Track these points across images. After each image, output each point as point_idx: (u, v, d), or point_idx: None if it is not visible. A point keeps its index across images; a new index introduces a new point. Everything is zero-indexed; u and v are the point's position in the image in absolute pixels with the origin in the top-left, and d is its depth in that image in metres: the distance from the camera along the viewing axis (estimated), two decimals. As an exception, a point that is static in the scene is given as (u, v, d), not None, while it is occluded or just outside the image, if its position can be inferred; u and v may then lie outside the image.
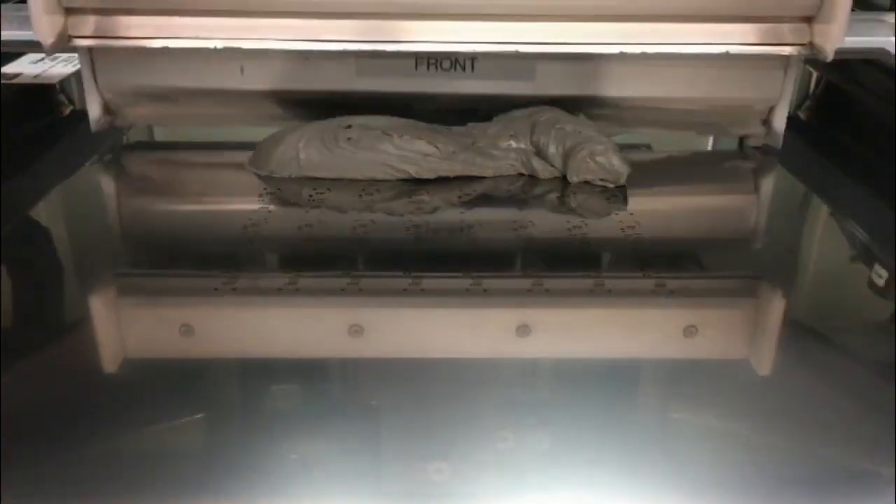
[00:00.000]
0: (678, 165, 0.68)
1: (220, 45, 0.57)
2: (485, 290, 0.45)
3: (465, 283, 0.45)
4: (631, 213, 0.55)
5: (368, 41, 0.58)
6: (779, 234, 0.56)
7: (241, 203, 0.57)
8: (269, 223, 0.53)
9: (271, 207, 0.55)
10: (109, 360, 0.40)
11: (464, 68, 0.63)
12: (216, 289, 0.45)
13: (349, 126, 0.60)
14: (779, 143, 0.65)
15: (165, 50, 0.58)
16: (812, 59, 0.59)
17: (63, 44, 0.57)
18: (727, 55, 0.59)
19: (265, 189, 0.58)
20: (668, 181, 0.63)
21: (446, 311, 0.45)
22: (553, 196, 0.58)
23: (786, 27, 0.59)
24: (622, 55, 0.59)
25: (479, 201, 0.57)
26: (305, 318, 0.44)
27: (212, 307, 0.44)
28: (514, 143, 0.61)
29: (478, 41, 0.58)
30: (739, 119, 0.67)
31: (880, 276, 0.49)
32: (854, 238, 0.56)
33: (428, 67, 0.63)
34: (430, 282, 0.46)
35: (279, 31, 0.58)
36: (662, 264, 0.48)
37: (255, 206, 0.55)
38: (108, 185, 0.63)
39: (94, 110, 0.64)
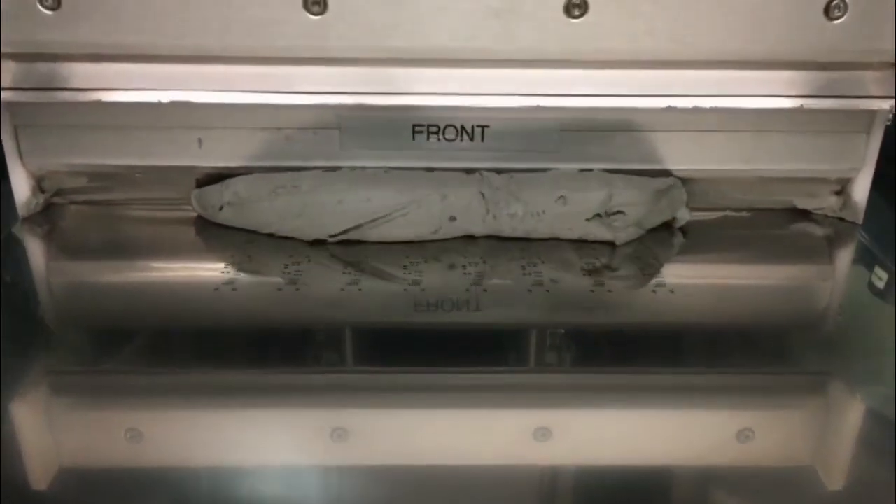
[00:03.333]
0: (732, 227, 0.57)
1: (167, 98, 0.47)
2: (495, 385, 0.41)
3: (470, 377, 0.41)
4: (671, 291, 0.47)
5: (354, 93, 0.48)
6: (855, 319, 0.48)
7: (199, 271, 0.50)
8: (234, 298, 0.46)
9: (237, 276, 0.48)
10: (40, 472, 0.34)
11: (472, 137, 0.52)
12: (170, 385, 0.40)
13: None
14: (859, 217, 0.55)
15: (99, 107, 0.49)
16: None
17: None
18: (797, 112, 0.49)
19: (231, 256, 0.50)
20: (719, 248, 0.54)
21: (450, 411, 0.39)
22: (577, 259, 0.50)
23: (869, 75, 0.49)
24: (667, 111, 0.48)
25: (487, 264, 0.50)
26: (278, 419, 0.39)
27: (164, 408, 0.39)
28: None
29: (489, 92, 0.48)
30: (807, 192, 0.56)
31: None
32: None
33: (428, 137, 0.52)
34: (428, 377, 0.41)
35: (243, 80, 0.49)
36: (711, 352, 0.44)
37: (218, 276, 0.48)
38: (35, 253, 0.53)
39: (20, 191, 0.53)
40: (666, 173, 0.53)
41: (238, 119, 0.51)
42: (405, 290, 0.46)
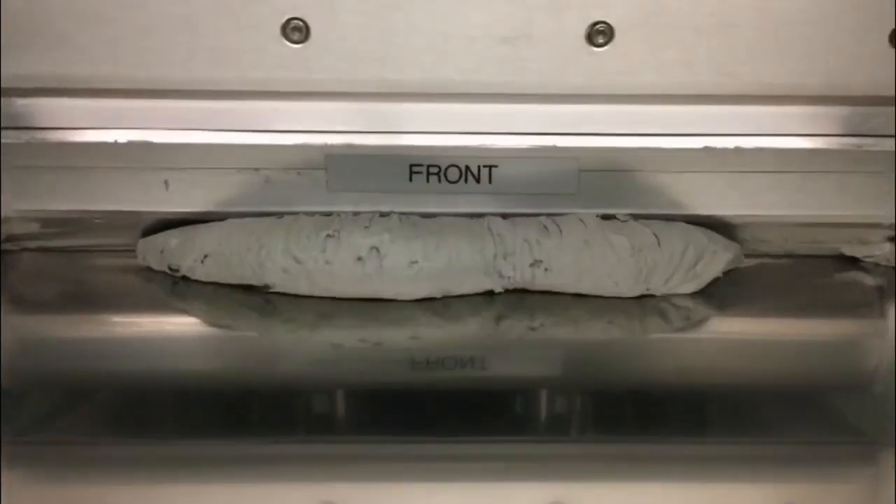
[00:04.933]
0: (772, 276, 0.53)
1: (125, 137, 0.42)
2: (504, 455, 0.37)
3: (476, 446, 0.38)
4: (704, 347, 0.45)
5: (342, 131, 0.42)
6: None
7: (168, 326, 0.46)
8: (207, 354, 0.44)
9: (210, 330, 0.45)
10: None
11: (477, 179, 0.45)
12: (137, 456, 0.37)
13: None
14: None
15: (49, 147, 0.43)
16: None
17: None
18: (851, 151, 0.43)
19: (203, 307, 0.46)
20: (757, 299, 0.49)
21: (452, 484, 0.36)
22: (597, 310, 0.46)
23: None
24: (704, 152, 0.42)
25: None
26: (259, 494, 0.35)
27: (132, 482, 0.36)
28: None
29: (498, 130, 0.43)
30: (857, 238, 0.51)
31: None
32: None
33: (427, 178, 0.46)
34: (428, 446, 0.38)
35: (213, 117, 0.43)
36: (748, 417, 0.41)
37: (189, 329, 0.45)
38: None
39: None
40: (700, 219, 0.47)
41: (210, 159, 0.45)
42: (401, 345, 0.43)
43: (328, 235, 0.43)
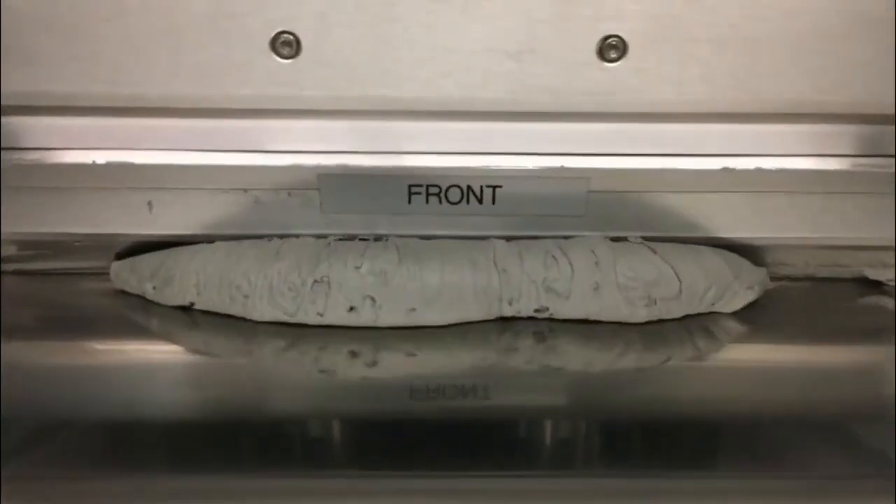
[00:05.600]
0: (791, 300, 0.49)
1: (104, 158, 0.39)
2: (507, 491, 0.35)
3: (478, 481, 0.35)
4: (719, 374, 0.42)
5: (336, 152, 0.39)
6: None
7: (154, 354, 0.42)
8: (196, 383, 0.41)
9: (198, 358, 0.42)
10: None
11: (480, 199, 0.43)
12: (123, 492, 0.35)
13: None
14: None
15: (25, 167, 0.40)
16: None
17: None
18: (878, 174, 0.41)
19: (191, 334, 0.43)
20: (775, 324, 0.46)
21: None
22: (604, 335, 0.43)
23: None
24: (723, 173, 0.39)
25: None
26: None
27: None
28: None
29: (503, 151, 0.40)
30: (880, 261, 0.48)
31: None
32: None
33: (427, 199, 0.43)
34: (428, 481, 0.35)
35: (198, 136, 0.40)
36: (765, 449, 0.38)
37: (176, 358, 0.42)
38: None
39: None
40: (717, 242, 0.44)
41: (196, 179, 0.42)
42: (398, 373, 0.40)
43: (316, 282, 0.40)
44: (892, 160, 0.42)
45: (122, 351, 0.43)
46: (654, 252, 0.42)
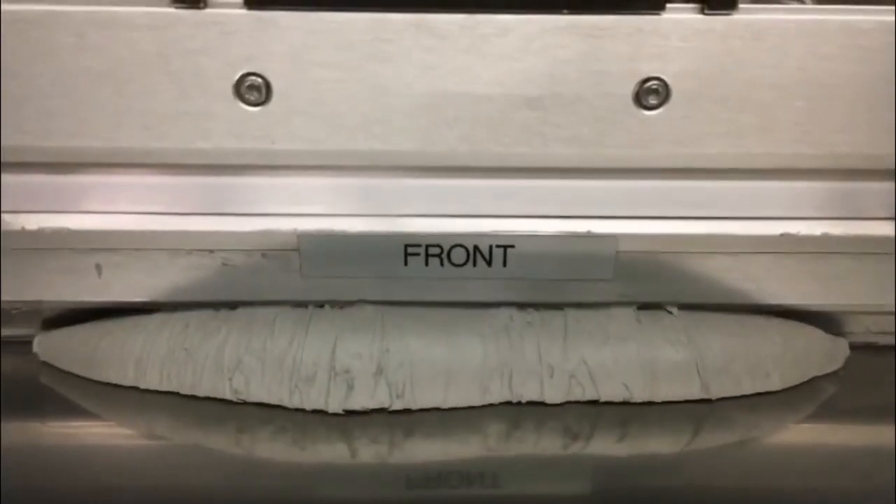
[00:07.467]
0: (853, 371, 0.43)
1: (35, 223, 0.34)
2: None
3: None
4: (754, 454, 0.36)
5: (315, 215, 0.33)
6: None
7: (118, 439, 0.37)
8: (169, 469, 0.35)
9: (170, 443, 0.37)
10: None
11: (489, 261, 0.36)
12: None
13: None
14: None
15: None
16: None
17: None
18: None
19: (159, 414, 0.37)
20: (834, 400, 0.40)
21: None
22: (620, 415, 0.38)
23: None
24: (782, 239, 0.33)
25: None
26: None
27: None
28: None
29: (517, 213, 0.33)
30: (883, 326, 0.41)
31: None
32: None
33: (427, 261, 0.36)
34: None
35: (149, 195, 0.34)
36: None
37: (142, 444, 0.37)
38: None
39: None
40: (769, 309, 0.38)
41: (150, 239, 0.35)
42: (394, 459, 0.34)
43: (295, 386, 0.34)
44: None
45: (62, 434, 0.37)
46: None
